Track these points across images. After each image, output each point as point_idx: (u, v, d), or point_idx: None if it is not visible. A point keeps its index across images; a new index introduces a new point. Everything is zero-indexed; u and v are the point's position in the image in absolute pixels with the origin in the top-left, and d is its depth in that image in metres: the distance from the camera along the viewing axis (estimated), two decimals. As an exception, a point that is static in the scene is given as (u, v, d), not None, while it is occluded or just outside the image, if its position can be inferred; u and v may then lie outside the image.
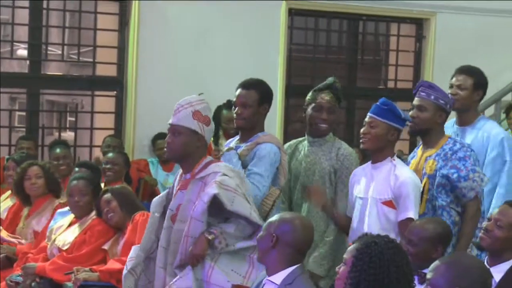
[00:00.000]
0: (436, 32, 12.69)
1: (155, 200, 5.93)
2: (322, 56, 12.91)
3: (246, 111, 6.37)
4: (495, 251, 5.10)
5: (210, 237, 5.44)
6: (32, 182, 8.11)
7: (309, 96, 6.73)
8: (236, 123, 6.49)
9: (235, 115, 6.47)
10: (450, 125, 6.65)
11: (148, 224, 5.92)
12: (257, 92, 6.41)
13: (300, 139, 6.80)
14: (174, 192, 5.77)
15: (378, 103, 6.03)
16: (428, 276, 4.05)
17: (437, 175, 6.02)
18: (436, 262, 4.08)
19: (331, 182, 6.39)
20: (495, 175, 6.36)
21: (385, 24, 13.19)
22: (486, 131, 6.48)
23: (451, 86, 6.47)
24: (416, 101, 6.15)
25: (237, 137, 6.58)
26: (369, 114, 6.03)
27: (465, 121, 6.48)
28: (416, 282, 4.83)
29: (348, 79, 12.71)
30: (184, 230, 5.51)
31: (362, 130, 6.05)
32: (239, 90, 6.44)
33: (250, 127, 6.42)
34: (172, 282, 5.49)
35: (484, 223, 5.20)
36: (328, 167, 6.41)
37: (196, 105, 5.70)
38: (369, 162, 6.12)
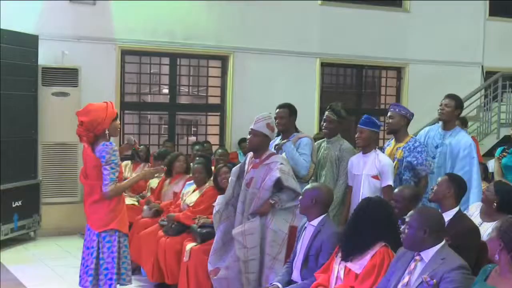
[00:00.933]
0: (409, 75, 12.62)
1: (234, 169, 5.93)
2: (341, 90, 12.70)
3: (282, 120, 6.40)
4: (439, 202, 4.98)
5: (272, 202, 5.49)
6: (180, 164, 8.11)
7: None
8: (277, 128, 6.31)
9: (276, 124, 6.34)
10: (436, 128, 6.44)
11: (228, 184, 5.98)
12: (287, 109, 6.44)
13: (322, 139, 6.71)
14: (247, 169, 5.77)
15: (363, 118, 6.05)
16: (407, 219, 4.02)
17: (404, 160, 6.01)
18: (411, 211, 4.08)
19: (337, 165, 6.32)
20: (466, 165, 6.25)
21: (378, 70, 12.91)
22: (460, 137, 6.39)
23: (441, 105, 6.46)
24: (389, 113, 6.20)
25: (279, 137, 6.52)
26: (358, 125, 6.03)
27: (447, 128, 6.33)
28: (400, 224, 4.85)
29: (356, 104, 12.63)
30: (256, 194, 5.55)
31: (356, 135, 6.05)
32: (277, 110, 6.48)
33: (286, 130, 6.41)
34: (245, 223, 5.54)
35: (433, 187, 5.08)
36: (335, 156, 6.33)
37: (268, 119, 5.69)
38: (361, 153, 6.08)
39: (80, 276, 5.44)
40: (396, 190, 5.31)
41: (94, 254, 5.28)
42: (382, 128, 6.33)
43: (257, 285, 5.51)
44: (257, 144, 5.72)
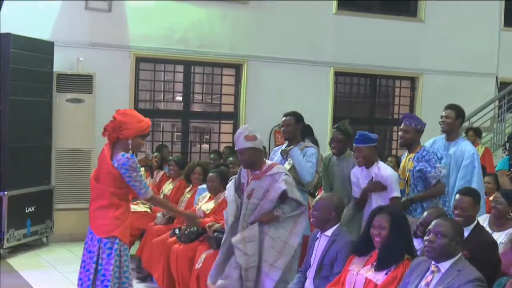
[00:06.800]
0: (423, 85, 12.57)
1: (229, 185, 5.73)
2: (354, 99, 12.71)
3: (288, 128, 6.34)
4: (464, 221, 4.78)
5: (276, 214, 5.35)
6: (196, 176, 7.91)
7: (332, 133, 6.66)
8: (284, 136, 6.44)
9: (282, 131, 6.45)
10: (440, 139, 6.36)
11: (228, 200, 5.72)
12: (293, 117, 6.35)
13: (330, 153, 6.66)
14: (247, 180, 5.56)
15: (357, 136, 5.88)
16: (440, 229, 3.91)
17: (414, 170, 5.88)
18: (439, 220, 4.02)
19: (348, 182, 6.21)
20: (467, 175, 6.20)
21: (392, 80, 12.83)
22: (463, 146, 6.34)
23: (441, 117, 6.37)
24: (402, 126, 5.97)
25: (286, 144, 6.46)
26: (355, 145, 5.87)
27: (450, 138, 6.25)
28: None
29: (370, 113, 12.62)
30: (258, 204, 5.41)
31: (354, 155, 5.94)
32: (284, 118, 6.40)
33: (292, 137, 6.36)
34: (244, 230, 5.40)
35: (452, 208, 5.02)
36: (347, 172, 6.24)
37: (244, 132, 5.44)
38: (364, 167, 5.91)
39: (80, 279, 5.37)
40: (425, 214, 4.98)
41: (94, 258, 5.21)
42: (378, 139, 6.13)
43: None
44: (248, 160, 5.51)
